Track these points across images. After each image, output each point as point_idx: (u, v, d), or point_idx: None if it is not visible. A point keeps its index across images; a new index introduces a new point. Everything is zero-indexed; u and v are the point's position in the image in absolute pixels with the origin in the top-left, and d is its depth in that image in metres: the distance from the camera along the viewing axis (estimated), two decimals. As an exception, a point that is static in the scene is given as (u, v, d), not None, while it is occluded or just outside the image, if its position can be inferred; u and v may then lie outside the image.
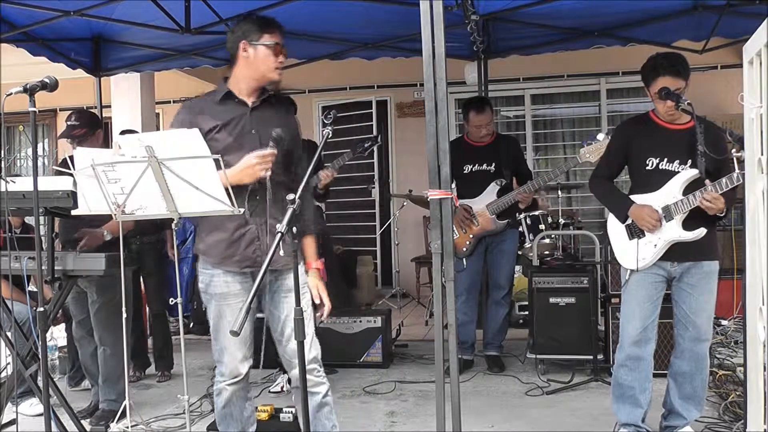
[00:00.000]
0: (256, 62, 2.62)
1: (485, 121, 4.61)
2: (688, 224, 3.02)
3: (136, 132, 3.55)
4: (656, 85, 3.01)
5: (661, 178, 3.07)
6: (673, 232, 3.03)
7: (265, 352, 4.14)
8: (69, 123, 3.91)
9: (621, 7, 4.87)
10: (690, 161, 3.03)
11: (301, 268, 2.69)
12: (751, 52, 2.03)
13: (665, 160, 3.08)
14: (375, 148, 4.97)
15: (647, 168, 3.10)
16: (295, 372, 2.65)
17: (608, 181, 3.31)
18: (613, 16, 5.09)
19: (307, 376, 2.61)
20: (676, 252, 3.05)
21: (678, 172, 3.05)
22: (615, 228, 3.22)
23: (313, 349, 2.68)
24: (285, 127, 2.67)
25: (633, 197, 3.15)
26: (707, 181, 2.91)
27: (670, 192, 3.04)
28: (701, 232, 3.00)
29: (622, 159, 3.24)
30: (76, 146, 3.85)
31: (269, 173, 2.50)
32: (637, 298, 3.11)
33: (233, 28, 2.70)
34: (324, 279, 2.77)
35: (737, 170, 2.79)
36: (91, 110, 4.95)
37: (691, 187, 3.01)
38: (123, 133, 4.49)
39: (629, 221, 3.13)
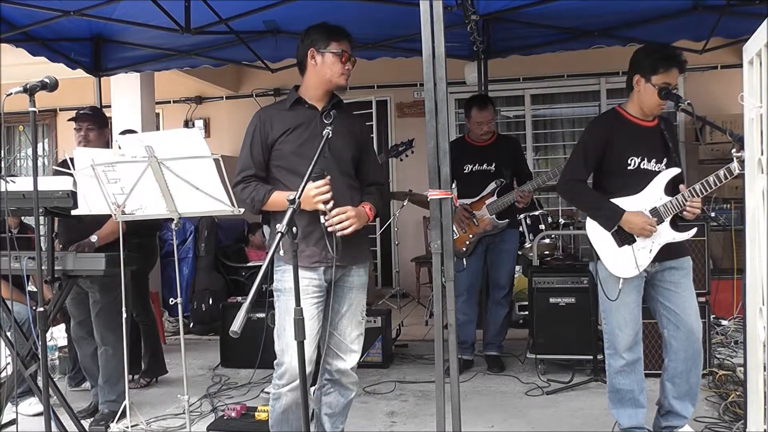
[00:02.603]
0: (323, 69, 2.73)
1: (487, 117, 4.61)
2: (673, 224, 3.01)
3: (136, 132, 3.55)
4: (664, 77, 2.93)
5: (643, 178, 3.01)
6: (668, 234, 2.99)
7: (263, 352, 4.16)
8: (83, 112, 3.98)
9: (621, 7, 4.87)
10: (665, 159, 3.01)
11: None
12: (751, 52, 2.03)
13: (645, 159, 3.02)
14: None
15: (629, 168, 3.02)
16: (335, 363, 2.78)
17: (585, 185, 3.15)
18: (613, 16, 5.09)
19: (347, 378, 2.81)
20: (658, 252, 3.02)
21: (656, 171, 3.01)
22: (599, 236, 3.07)
23: (359, 352, 2.83)
24: (350, 132, 2.82)
25: (616, 201, 3.02)
26: (681, 186, 2.92)
27: (655, 193, 2.99)
28: (693, 231, 3.00)
29: (599, 158, 3.09)
30: (83, 135, 3.88)
31: (330, 204, 2.57)
32: (628, 306, 3.05)
33: (302, 36, 2.80)
34: (370, 219, 2.77)
35: (726, 168, 2.76)
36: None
37: (668, 186, 2.99)
38: (123, 133, 4.48)
39: (615, 227, 3.01)
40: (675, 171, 2.99)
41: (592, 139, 3.14)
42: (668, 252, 3.03)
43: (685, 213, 2.94)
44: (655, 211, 2.98)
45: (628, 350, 3.07)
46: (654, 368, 3.34)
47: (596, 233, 3.09)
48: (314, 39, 2.74)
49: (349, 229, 2.62)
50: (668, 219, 2.98)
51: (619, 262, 3.03)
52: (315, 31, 2.76)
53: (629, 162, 3.02)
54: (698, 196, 2.90)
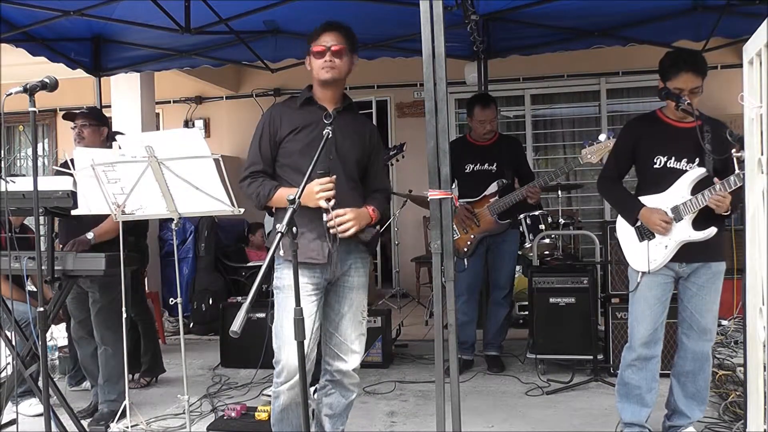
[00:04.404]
0: (312, 70, 2.78)
1: (490, 116, 4.61)
2: (697, 224, 3.01)
3: (123, 134, 3.53)
4: (676, 82, 2.99)
5: (669, 176, 3.06)
6: (684, 232, 3.01)
7: (266, 352, 4.17)
8: (79, 111, 3.97)
9: (621, 7, 4.87)
10: (697, 159, 3.03)
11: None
12: (751, 52, 2.03)
13: (673, 158, 3.06)
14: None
15: (655, 166, 3.09)
16: (336, 364, 2.79)
17: (617, 182, 3.28)
18: (613, 16, 5.09)
19: (348, 379, 2.81)
20: (685, 253, 3.04)
21: (686, 170, 3.04)
22: (624, 230, 3.19)
23: (360, 353, 2.82)
24: (359, 135, 2.82)
25: (642, 198, 3.12)
26: (716, 179, 2.91)
27: (679, 192, 3.03)
28: (712, 231, 2.99)
29: (630, 158, 3.21)
30: (77, 132, 3.87)
31: (332, 202, 2.56)
32: (647, 300, 3.09)
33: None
34: (373, 219, 2.77)
35: (737, 170, 2.78)
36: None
37: (698, 186, 3.00)
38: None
39: (639, 223, 3.11)
40: (700, 171, 3.00)
41: (621, 139, 3.31)
42: (698, 254, 3.05)
43: (713, 207, 2.93)
44: (675, 209, 3.02)
45: (642, 345, 3.10)
46: (667, 368, 3.38)
47: (622, 227, 3.22)
48: (308, 43, 2.80)
49: (350, 231, 2.64)
50: (688, 217, 3.00)
51: (637, 256, 3.13)
52: (309, 36, 2.81)
53: (655, 161, 3.09)
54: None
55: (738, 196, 2.92)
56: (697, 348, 3.12)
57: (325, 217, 2.58)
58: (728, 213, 2.97)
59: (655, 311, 3.09)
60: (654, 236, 3.06)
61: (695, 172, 3.01)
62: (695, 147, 3.01)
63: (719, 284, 3.11)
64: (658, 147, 3.09)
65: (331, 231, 2.60)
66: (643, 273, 3.09)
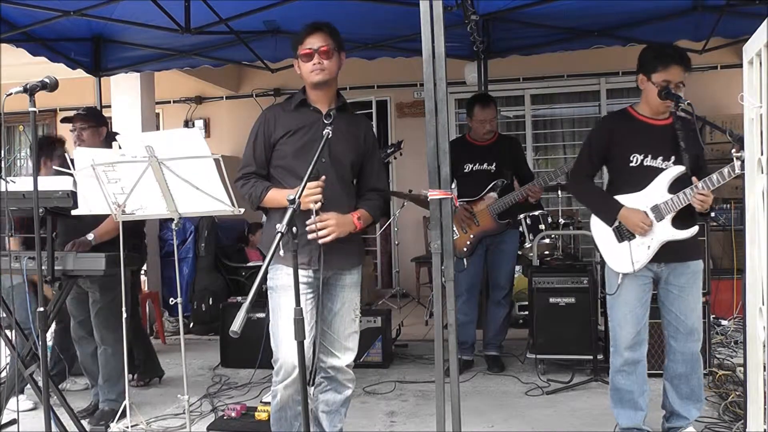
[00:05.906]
0: (302, 73, 2.78)
1: (490, 116, 4.62)
2: (676, 223, 2.98)
3: (119, 134, 3.53)
4: (663, 75, 2.95)
5: (646, 175, 3.02)
6: (667, 232, 2.99)
7: (263, 352, 4.18)
8: (77, 113, 3.97)
9: (621, 7, 4.87)
10: (673, 157, 3.00)
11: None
12: (751, 52, 2.03)
13: (649, 156, 3.02)
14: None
15: (631, 165, 3.04)
16: (330, 361, 2.80)
17: (590, 181, 3.23)
18: (613, 16, 5.09)
19: (343, 375, 2.82)
20: (663, 253, 3.01)
21: (662, 168, 3.01)
22: (601, 231, 3.12)
23: (354, 350, 2.83)
24: (354, 137, 2.82)
25: (619, 198, 3.06)
26: (694, 179, 2.90)
27: (657, 190, 3.00)
28: (695, 229, 2.98)
29: (603, 156, 3.15)
30: (77, 134, 3.88)
31: (319, 205, 2.56)
32: (628, 303, 3.06)
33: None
34: (357, 228, 2.76)
35: (730, 166, 2.75)
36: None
37: (675, 185, 2.98)
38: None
39: (617, 223, 3.06)
40: (678, 169, 2.98)
41: (596, 136, 3.23)
42: (676, 253, 3.02)
43: (696, 206, 2.91)
44: (656, 208, 2.99)
45: (628, 348, 3.07)
46: (658, 368, 3.37)
47: (598, 228, 3.14)
48: (293, 48, 2.79)
49: (329, 237, 2.63)
50: (669, 216, 2.98)
51: (618, 257, 3.07)
52: (294, 40, 2.80)
53: (632, 158, 3.04)
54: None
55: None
56: (686, 349, 3.10)
57: (312, 219, 2.58)
58: (708, 212, 2.96)
59: (638, 313, 3.06)
60: (634, 236, 3.02)
61: (673, 171, 2.99)
62: (670, 144, 2.99)
63: (699, 283, 3.11)
64: (634, 145, 3.05)
65: (309, 236, 2.59)
66: (624, 275, 3.05)
